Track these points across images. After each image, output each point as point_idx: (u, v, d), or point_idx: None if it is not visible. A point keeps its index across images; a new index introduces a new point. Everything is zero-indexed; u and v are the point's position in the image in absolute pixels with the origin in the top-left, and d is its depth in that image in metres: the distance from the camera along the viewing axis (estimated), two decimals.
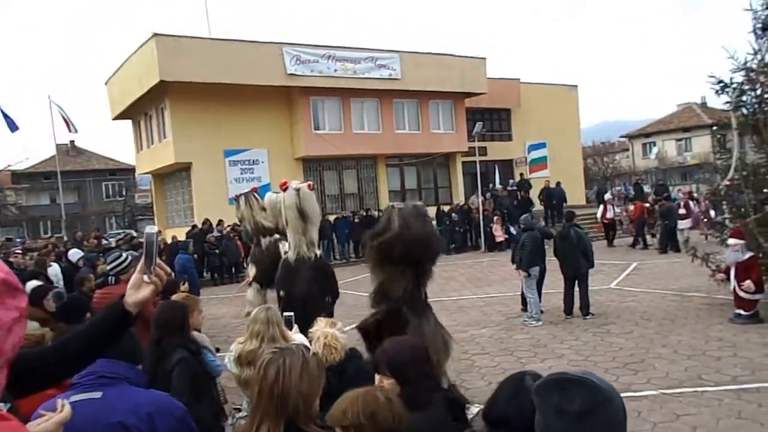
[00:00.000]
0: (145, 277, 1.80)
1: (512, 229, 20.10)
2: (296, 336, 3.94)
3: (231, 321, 11.18)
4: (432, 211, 22.00)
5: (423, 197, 25.19)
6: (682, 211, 17.33)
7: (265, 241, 9.98)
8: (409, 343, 2.65)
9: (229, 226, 18.00)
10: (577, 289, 9.69)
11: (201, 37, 20.56)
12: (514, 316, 9.88)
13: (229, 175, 21.33)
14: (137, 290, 1.79)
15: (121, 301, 1.78)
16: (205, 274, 17.82)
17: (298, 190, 6.86)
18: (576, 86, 31.45)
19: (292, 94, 22.18)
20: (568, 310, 9.68)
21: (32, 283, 5.92)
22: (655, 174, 43.70)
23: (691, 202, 17.98)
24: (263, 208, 10.90)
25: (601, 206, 19.70)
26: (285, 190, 7.00)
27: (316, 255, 6.94)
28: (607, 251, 17.65)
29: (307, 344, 3.80)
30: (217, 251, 17.44)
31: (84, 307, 4.49)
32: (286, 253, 7.28)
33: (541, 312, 9.64)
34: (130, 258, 5.65)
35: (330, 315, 6.28)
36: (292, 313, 4.35)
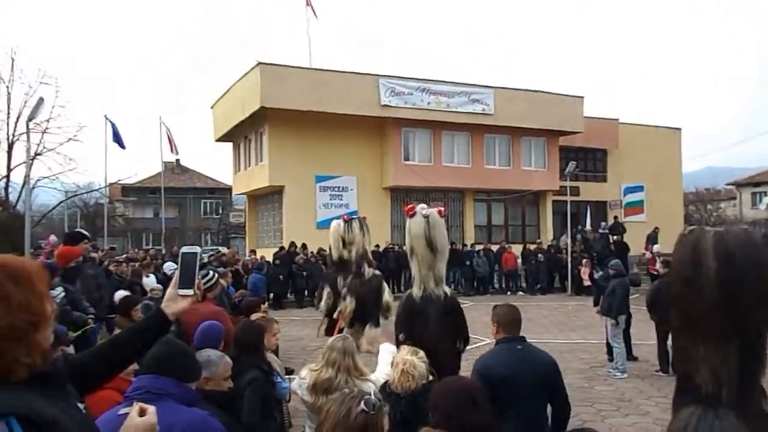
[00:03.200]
0: (180, 292, 1.97)
1: (595, 274, 19.30)
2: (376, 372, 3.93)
3: (309, 344, 11.34)
4: (518, 249, 21.58)
5: (510, 234, 24.79)
6: None
7: (368, 272, 9.70)
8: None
9: (311, 252, 18.43)
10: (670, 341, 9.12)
11: (301, 67, 21.42)
12: (598, 366, 9.42)
13: (319, 201, 21.90)
14: (174, 303, 1.97)
15: (161, 310, 1.96)
16: (289, 295, 18.26)
17: (427, 217, 6.13)
18: (680, 129, 30.10)
19: (384, 125, 22.59)
20: (666, 366, 8.87)
21: (121, 293, 6.25)
22: (764, 226, 40.78)
23: None
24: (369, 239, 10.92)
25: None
26: (412, 216, 6.30)
27: (445, 293, 6.14)
28: None
29: (383, 375, 3.79)
30: (304, 273, 17.84)
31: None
32: (407, 290, 6.48)
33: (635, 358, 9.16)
34: (216, 276, 5.86)
35: (458, 361, 5.88)
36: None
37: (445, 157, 23.53)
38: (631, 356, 9.58)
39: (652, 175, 27.56)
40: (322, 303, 11.49)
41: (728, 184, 51.44)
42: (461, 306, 6.29)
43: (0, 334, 1.30)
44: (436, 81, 22.91)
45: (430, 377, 3.56)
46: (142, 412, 1.56)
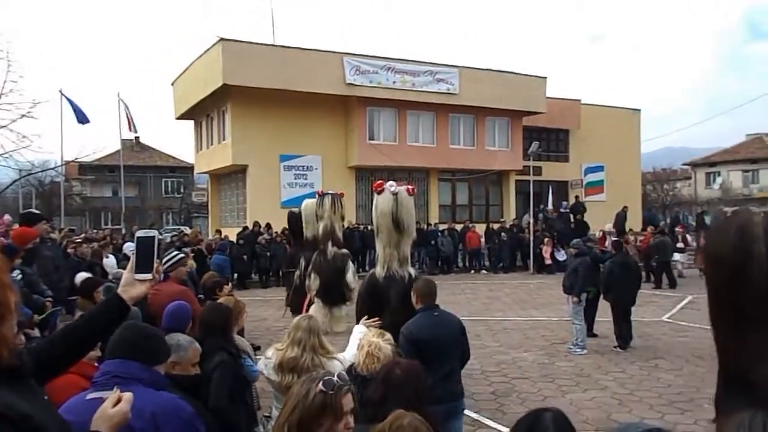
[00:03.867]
0: (137, 276, 1.95)
1: (558, 255, 19.68)
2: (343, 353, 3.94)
3: (274, 324, 11.32)
4: (482, 228, 21.83)
5: (474, 214, 25.04)
6: (680, 245, 17.48)
7: (331, 250, 9.57)
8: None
9: (275, 232, 18.30)
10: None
11: (265, 44, 21.06)
12: (559, 342, 9.65)
13: (283, 180, 21.71)
14: (131, 287, 1.94)
15: (117, 295, 1.93)
16: (253, 275, 18.14)
17: (396, 194, 5.92)
18: (639, 110, 30.67)
19: (349, 104, 22.44)
20: (626, 341, 9.29)
21: (82, 275, 6.11)
22: (717, 204, 42.11)
23: (688, 236, 18.23)
24: (343, 217, 10.67)
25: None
26: (380, 193, 6.06)
27: (409, 274, 5.96)
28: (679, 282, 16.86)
29: (351, 357, 3.81)
30: (268, 254, 17.72)
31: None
32: (371, 269, 6.34)
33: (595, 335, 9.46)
34: (181, 255, 5.76)
35: None
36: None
37: (410, 137, 23.54)
38: (591, 333, 9.85)
39: (612, 156, 28.10)
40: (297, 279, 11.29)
41: (684, 165, 52.83)
42: None
43: None
44: (402, 60, 22.80)
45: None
46: (117, 401, 1.54)
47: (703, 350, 9.03)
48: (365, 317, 4.80)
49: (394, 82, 22.20)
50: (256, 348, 6.31)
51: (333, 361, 3.63)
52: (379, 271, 6.00)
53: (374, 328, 3.89)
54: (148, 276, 1.96)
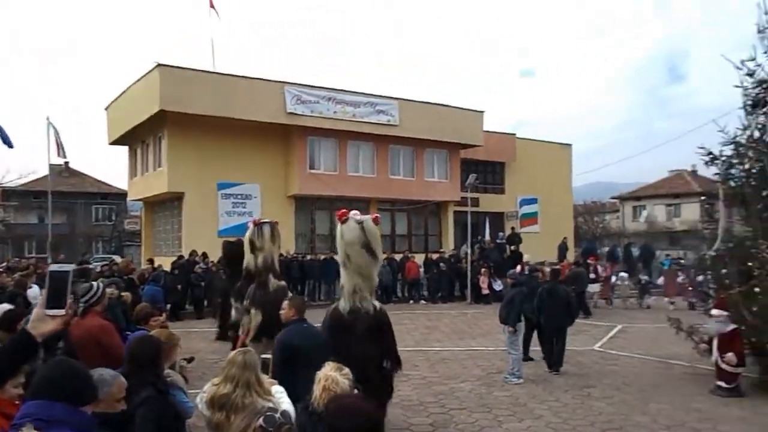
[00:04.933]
0: (48, 312, 1.90)
1: (495, 285, 20.05)
2: (274, 386, 3.86)
3: (207, 356, 10.98)
4: (420, 258, 22.00)
5: (413, 244, 25.24)
6: (592, 275, 18.31)
7: (273, 283, 9.28)
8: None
9: (212, 261, 17.83)
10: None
11: (204, 71, 20.82)
12: (495, 372, 9.76)
13: (221, 208, 21.31)
14: (41, 323, 1.88)
15: (26, 331, 1.87)
16: (188, 306, 17.60)
17: (361, 223, 5.72)
18: (570, 145, 31.93)
19: (290, 133, 22.38)
20: (555, 364, 9.80)
21: (3, 307, 5.78)
22: (643, 237, 43.99)
23: (599, 267, 19.10)
24: (279, 247, 10.38)
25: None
26: (344, 222, 5.83)
27: (375, 307, 5.72)
28: (595, 312, 17.58)
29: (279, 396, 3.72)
30: (202, 284, 17.25)
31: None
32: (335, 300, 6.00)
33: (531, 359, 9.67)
34: (101, 288, 5.43)
35: (390, 382, 5.73)
36: (269, 356, 4.27)
37: (350, 167, 23.65)
38: (527, 356, 10.21)
39: (546, 188, 29.06)
40: (233, 316, 10.91)
41: (613, 198, 55.15)
42: (390, 321, 5.91)
43: None
44: (342, 90, 23.01)
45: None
46: None
47: (632, 378, 9.36)
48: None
49: (335, 112, 22.34)
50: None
51: (270, 401, 3.53)
52: (343, 305, 5.68)
53: (332, 362, 3.80)
54: (60, 312, 1.89)
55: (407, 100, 24.26)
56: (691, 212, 42.12)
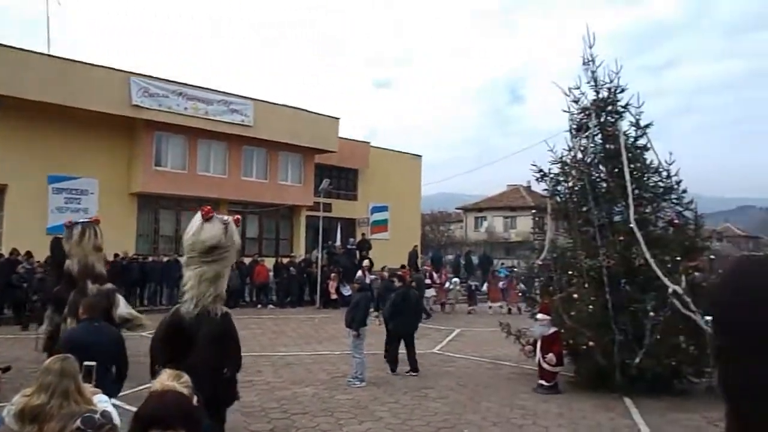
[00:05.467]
0: None
1: (344, 290, 20.35)
2: (97, 395, 3.60)
3: (27, 366, 9.96)
4: (271, 262, 21.73)
5: (263, 248, 24.84)
6: (428, 281, 19.49)
7: (92, 288, 8.50)
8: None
9: (37, 261, 16.24)
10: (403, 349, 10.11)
11: (38, 53, 18.98)
12: (340, 376, 9.90)
13: (52, 204, 19.49)
14: None
15: None
16: (6, 309, 15.87)
17: (227, 224, 5.47)
18: (420, 156, 33.30)
19: (134, 127, 21.07)
20: (395, 366, 10.21)
21: None
22: (483, 246, 46.99)
23: (435, 274, 20.45)
24: (100, 248, 9.43)
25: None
26: (207, 219, 5.50)
27: (223, 312, 5.43)
28: (437, 317, 18.51)
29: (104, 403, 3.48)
30: (24, 285, 15.63)
31: None
32: (179, 304, 5.56)
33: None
34: None
35: (233, 387, 5.55)
36: (94, 363, 3.98)
37: (200, 166, 22.77)
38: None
39: (396, 197, 30.02)
40: (44, 326, 9.99)
41: (457, 209, 58.35)
42: (235, 328, 5.71)
43: None
44: (195, 86, 22.11)
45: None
46: None
47: (466, 379, 9.96)
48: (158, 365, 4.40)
49: (185, 108, 21.39)
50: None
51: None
52: (186, 308, 5.31)
53: (171, 370, 3.59)
54: None
55: (263, 101, 23.89)
56: (525, 224, 45.71)
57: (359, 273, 14.23)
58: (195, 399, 3.36)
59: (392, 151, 31.52)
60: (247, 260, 21.34)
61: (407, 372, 10.18)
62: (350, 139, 28.11)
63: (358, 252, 24.42)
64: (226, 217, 5.70)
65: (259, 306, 20.36)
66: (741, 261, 1.08)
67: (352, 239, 25.92)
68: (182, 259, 5.91)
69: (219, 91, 22.73)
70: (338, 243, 25.10)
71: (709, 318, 8.63)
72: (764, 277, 1.02)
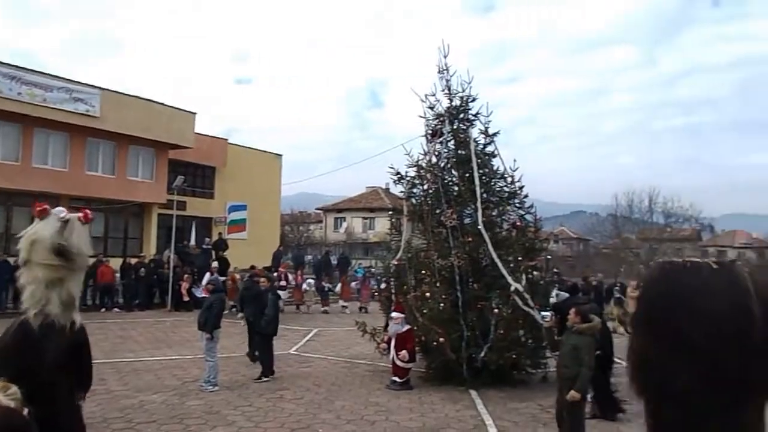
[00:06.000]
0: None
1: (197, 292, 19.59)
2: None
3: None
4: (117, 263, 20.37)
5: (109, 247, 23.21)
6: (282, 282, 19.50)
7: None
8: None
9: None
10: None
11: None
12: (191, 381, 9.51)
13: None
14: None
15: None
16: None
17: (67, 221, 4.76)
18: (281, 155, 32.95)
19: None
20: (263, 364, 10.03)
21: None
22: (342, 247, 47.51)
23: (290, 275, 20.63)
24: None
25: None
26: (42, 218, 4.78)
27: (74, 322, 4.69)
28: (295, 317, 18.37)
29: None
30: None
31: None
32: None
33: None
34: None
35: (75, 411, 4.95)
36: None
37: (36, 158, 20.82)
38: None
39: (256, 196, 29.44)
40: None
41: (317, 209, 58.47)
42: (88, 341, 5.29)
43: None
44: (32, 71, 20.18)
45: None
46: None
47: (322, 378, 10.01)
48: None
49: (19, 93, 19.42)
50: None
51: None
52: (33, 316, 4.76)
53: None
54: None
55: (111, 91, 22.33)
56: (383, 225, 46.86)
57: (207, 274, 13.84)
58: (26, 411, 3.07)
59: (252, 150, 30.91)
60: (89, 260, 19.81)
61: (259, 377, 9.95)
62: (208, 136, 27.16)
63: (214, 252, 23.59)
64: (65, 215, 5.18)
65: (104, 309, 18.98)
66: (662, 266, 1.17)
67: (207, 239, 24.97)
68: (17, 260, 5.31)
69: (60, 77, 20.92)
70: (193, 242, 24.12)
71: (545, 313, 9.44)
72: (682, 281, 1.12)
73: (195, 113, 25.37)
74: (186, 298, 19.68)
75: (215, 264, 18.90)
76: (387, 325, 10.70)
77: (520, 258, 10.08)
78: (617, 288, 19.46)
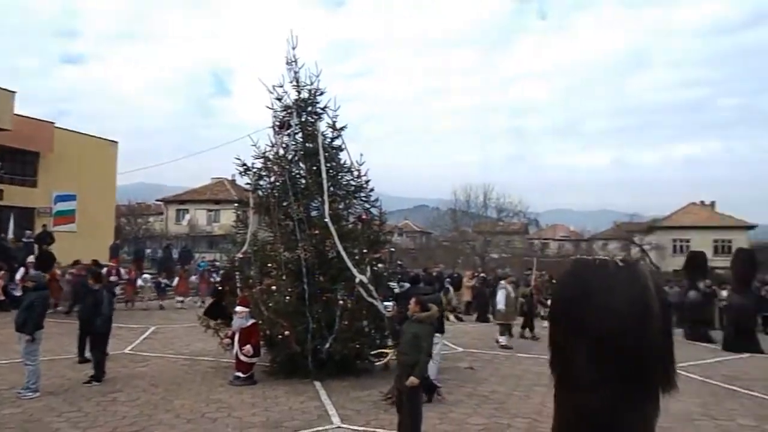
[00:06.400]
0: None
1: (14, 291, 17.67)
2: None
3: None
4: None
5: None
6: (114, 278, 18.77)
7: None
8: None
9: None
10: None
11: None
12: (7, 388, 8.57)
13: None
14: None
15: None
16: None
17: None
18: (116, 142, 30.68)
19: None
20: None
21: None
22: (185, 240, 45.47)
23: (122, 270, 20.01)
24: None
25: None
26: None
27: None
28: (130, 314, 17.33)
29: None
30: None
31: None
32: None
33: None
34: None
35: None
36: None
37: None
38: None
39: (87, 185, 27.09)
40: None
41: (158, 200, 55.35)
42: None
43: None
44: None
45: None
46: None
47: (159, 378, 9.52)
48: None
49: None
50: None
51: None
52: None
53: None
54: None
55: None
56: (228, 218, 45.47)
57: (21, 269, 12.65)
58: None
59: (83, 135, 28.46)
60: None
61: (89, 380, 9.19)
62: (31, 118, 24.54)
63: (37, 246, 21.41)
64: None
65: None
66: (575, 263, 1.24)
67: (29, 231, 22.62)
68: None
69: None
70: (11, 235, 21.72)
71: (388, 304, 9.76)
72: (588, 277, 1.20)
73: (14, 92, 22.81)
74: (1, 297, 17.65)
75: (31, 258, 17.25)
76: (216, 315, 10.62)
77: (365, 250, 10.32)
78: (448, 279, 20.86)
